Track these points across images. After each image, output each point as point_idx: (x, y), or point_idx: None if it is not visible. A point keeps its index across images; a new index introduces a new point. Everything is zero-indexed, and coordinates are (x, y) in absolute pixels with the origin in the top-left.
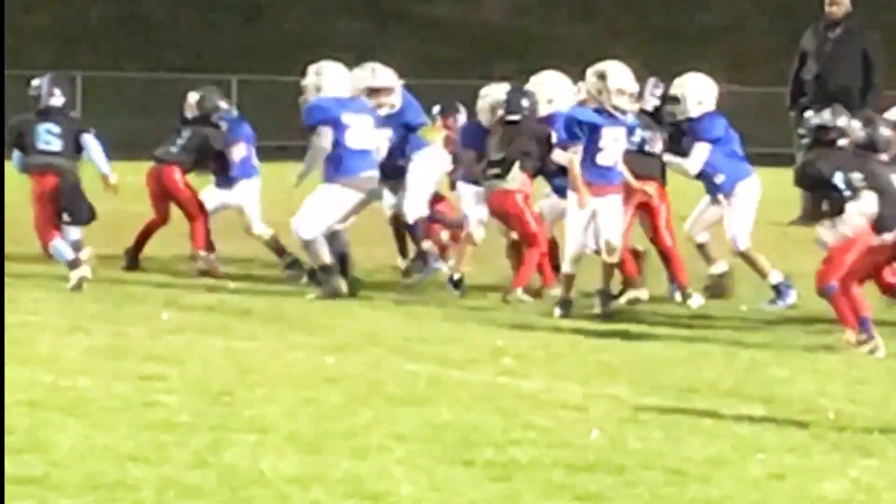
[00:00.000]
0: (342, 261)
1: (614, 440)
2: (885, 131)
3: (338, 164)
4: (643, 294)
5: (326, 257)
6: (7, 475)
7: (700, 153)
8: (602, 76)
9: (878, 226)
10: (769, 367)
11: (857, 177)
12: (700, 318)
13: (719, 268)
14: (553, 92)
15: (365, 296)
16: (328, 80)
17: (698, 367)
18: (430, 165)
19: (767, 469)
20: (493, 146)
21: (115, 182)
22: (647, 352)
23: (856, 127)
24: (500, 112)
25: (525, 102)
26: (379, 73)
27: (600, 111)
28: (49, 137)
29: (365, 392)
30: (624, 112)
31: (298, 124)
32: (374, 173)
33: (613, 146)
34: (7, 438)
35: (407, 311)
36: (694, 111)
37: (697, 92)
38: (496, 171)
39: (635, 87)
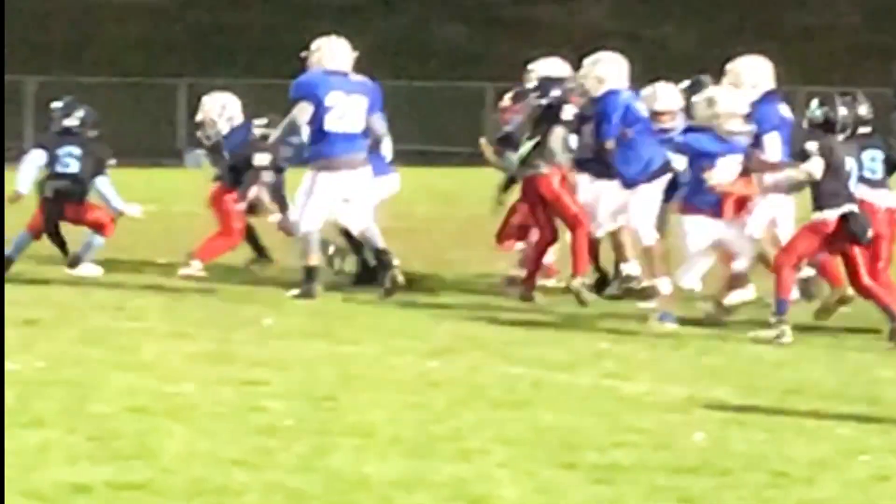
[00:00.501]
0: (381, 260)
1: (718, 442)
2: (843, 111)
3: (315, 146)
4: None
5: (314, 259)
6: (114, 481)
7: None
8: (711, 102)
9: (817, 201)
10: (873, 368)
11: (811, 145)
12: (803, 320)
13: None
14: (606, 73)
15: (467, 300)
16: (319, 55)
17: (802, 369)
18: None
19: (872, 471)
20: (522, 131)
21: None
22: (750, 354)
23: (812, 107)
24: (533, 97)
25: (556, 91)
26: (660, 95)
27: (713, 137)
28: (69, 160)
29: (468, 396)
30: (736, 134)
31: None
32: (356, 155)
33: (723, 173)
34: (113, 444)
35: (509, 314)
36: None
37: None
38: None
39: (745, 109)
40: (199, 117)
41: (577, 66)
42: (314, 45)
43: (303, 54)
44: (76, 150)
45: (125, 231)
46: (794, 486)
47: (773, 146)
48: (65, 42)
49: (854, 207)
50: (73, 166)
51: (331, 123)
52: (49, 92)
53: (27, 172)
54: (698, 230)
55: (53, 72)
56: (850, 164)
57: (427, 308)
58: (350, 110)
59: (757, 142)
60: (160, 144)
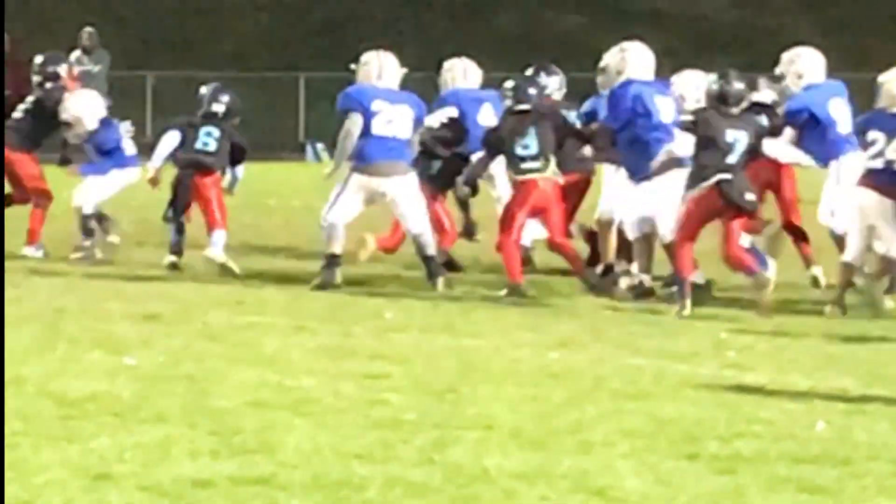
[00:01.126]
0: (428, 268)
1: (840, 432)
2: (738, 85)
3: (358, 151)
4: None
5: (336, 248)
6: (236, 475)
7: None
8: None
9: (694, 174)
10: None
11: (686, 118)
12: None
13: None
14: (624, 63)
15: (585, 292)
16: (368, 69)
17: None
18: None
19: None
20: (508, 136)
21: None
22: (872, 343)
23: (710, 80)
24: (508, 102)
25: (533, 90)
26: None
27: None
28: (208, 139)
29: (589, 387)
30: None
31: None
32: (397, 163)
33: None
34: (234, 439)
35: (628, 306)
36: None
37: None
38: (536, 164)
39: None
40: None
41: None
42: (364, 59)
43: (352, 66)
44: (216, 132)
45: (245, 226)
46: None
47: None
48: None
49: (728, 176)
50: (211, 146)
51: (377, 128)
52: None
53: (161, 151)
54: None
55: (178, 66)
56: (732, 136)
57: (547, 300)
58: (396, 118)
59: None
60: (282, 138)
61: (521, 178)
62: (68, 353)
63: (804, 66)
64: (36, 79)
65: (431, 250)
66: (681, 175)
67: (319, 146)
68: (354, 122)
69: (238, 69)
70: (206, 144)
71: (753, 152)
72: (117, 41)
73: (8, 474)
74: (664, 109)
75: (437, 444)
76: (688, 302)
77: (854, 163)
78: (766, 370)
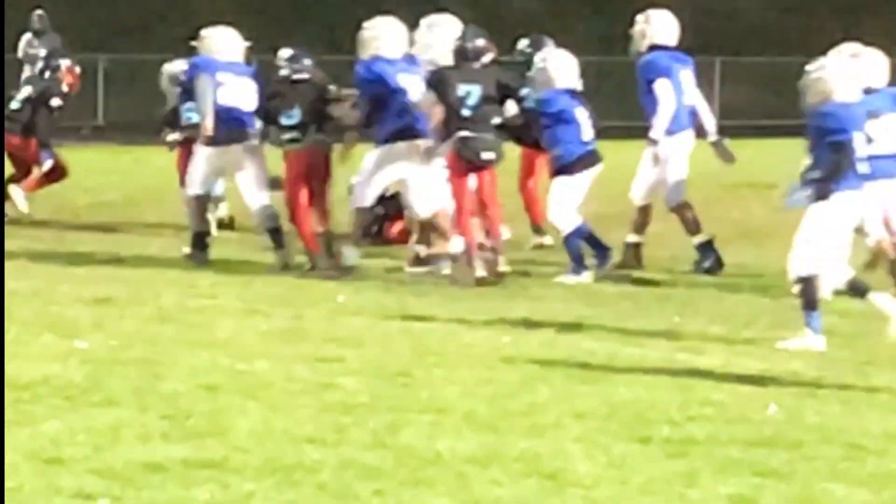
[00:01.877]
0: (272, 234)
1: (792, 415)
2: (480, 42)
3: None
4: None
5: (202, 225)
6: (188, 459)
7: None
8: None
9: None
10: None
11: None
12: (881, 292)
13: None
14: (650, 30)
15: (539, 275)
16: (378, 43)
17: (877, 341)
18: None
19: None
20: (275, 107)
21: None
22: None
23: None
24: (285, 72)
25: (307, 61)
26: None
27: None
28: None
29: (541, 371)
30: None
31: None
32: (242, 133)
33: None
34: (187, 423)
35: (582, 289)
36: None
37: None
38: (293, 135)
39: None
40: None
41: None
42: (204, 34)
43: (192, 42)
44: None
45: None
46: (868, 459)
47: None
48: (140, 20)
49: (468, 133)
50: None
51: (223, 99)
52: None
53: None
54: None
55: (131, 50)
56: (464, 89)
57: (502, 283)
58: (240, 90)
59: None
60: None
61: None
62: (19, 336)
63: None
64: (38, 68)
65: (276, 222)
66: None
67: None
68: (206, 82)
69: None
70: (290, 118)
71: None
72: (69, 24)
73: None
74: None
75: (390, 428)
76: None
77: None
78: (718, 353)
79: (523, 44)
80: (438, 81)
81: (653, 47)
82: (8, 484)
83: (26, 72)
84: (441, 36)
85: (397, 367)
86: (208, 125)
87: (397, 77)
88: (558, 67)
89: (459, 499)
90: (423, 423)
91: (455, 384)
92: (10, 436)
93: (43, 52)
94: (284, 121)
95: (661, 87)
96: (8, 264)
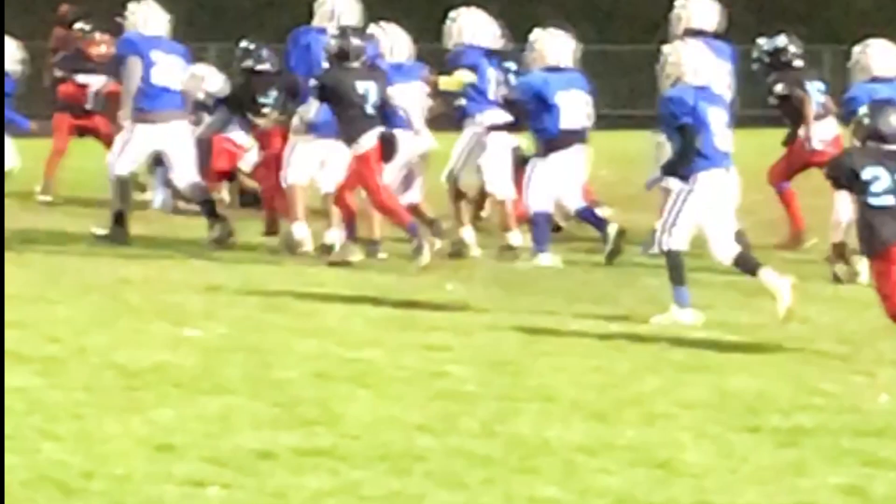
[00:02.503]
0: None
1: None
2: (355, 41)
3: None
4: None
5: (122, 204)
6: (297, 447)
7: None
8: None
9: (344, 133)
10: None
11: (312, 82)
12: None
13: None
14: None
15: (649, 264)
16: (133, 18)
17: None
18: None
19: None
20: (247, 93)
21: None
22: None
23: (330, 34)
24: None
25: (265, 53)
26: None
27: None
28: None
29: (651, 359)
30: None
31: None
32: (172, 112)
33: None
34: (297, 410)
35: (693, 278)
36: None
37: None
38: (276, 113)
39: None
40: None
41: None
42: (131, 8)
43: (118, 19)
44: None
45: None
46: None
47: None
48: None
49: (384, 129)
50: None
51: (155, 77)
52: None
53: None
54: None
55: None
56: (363, 87)
57: (609, 272)
58: (171, 68)
59: None
60: None
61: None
62: (131, 323)
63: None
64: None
65: (206, 195)
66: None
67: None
68: (136, 64)
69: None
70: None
71: None
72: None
73: (71, 444)
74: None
75: (499, 416)
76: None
77: None
78: (829, 342)
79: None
80: (333, 83)
81: (688, 32)
82: (119, 471)
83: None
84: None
85: (506, 356)
86: (127, 107)
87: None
88: (543, 48)
89: (568, 487)
90: (532, 411)
91: (563, 372)
92: (121, 423)
93: None
94: (263, 100)
95: None
96: (119, 251)
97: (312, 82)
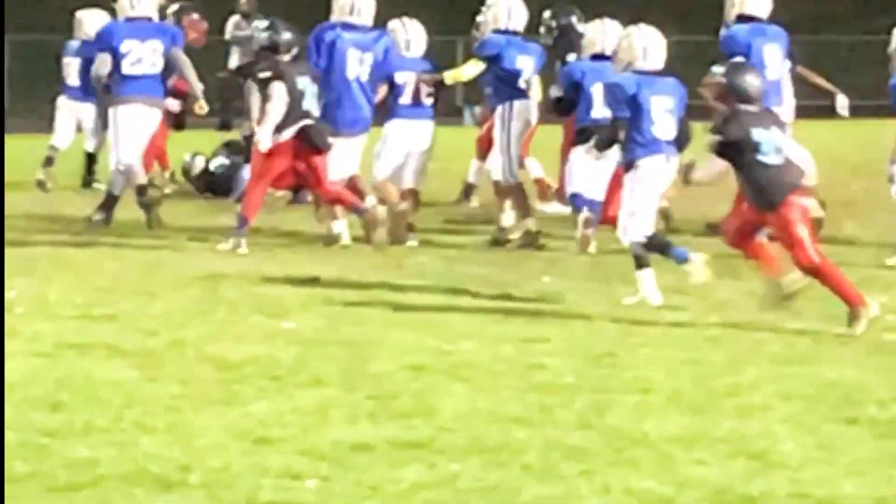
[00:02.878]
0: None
1: None
2: (286, 34)
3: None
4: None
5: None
6: (394, 439)
7: None
8: None
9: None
10: None
11: (260, 74)
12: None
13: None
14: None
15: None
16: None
17: None
18: None
19: None
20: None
21: None
22: None
23: (258, 27)
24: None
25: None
26: None
27: None
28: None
29: (748, 351)
30: None
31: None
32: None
33: None
34: (393, 402)
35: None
36: None
37: None
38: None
39: None
40: None
41: None
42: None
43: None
44: None
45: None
46: None
47: None
48: None
49: (311, 122)
50: None
51: (126, 68)
52: None
53: None
54: None
55: None
56: (303, 83)
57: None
58: (146, 55)
59: None
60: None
61: None
62: (228, 316)
63: None
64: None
65: (141, 180)
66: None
67: (477, 109)
68: (105, 59)
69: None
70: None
71: None
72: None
73: (168, 437)
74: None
75: (596, 408)
76: (244, 241)
77: None
78: None
79: (547, 15)
80: (280, 76)
81: (740, 18)
82: (216, 463)
83: (234, 54)
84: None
85: (603, 348)
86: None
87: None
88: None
89: (665, 479)
90: (629, 403)
91: (660, 364)
92: (218, 416)
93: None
94: None
95: None
96: (214, 244)
97: (260, 74)
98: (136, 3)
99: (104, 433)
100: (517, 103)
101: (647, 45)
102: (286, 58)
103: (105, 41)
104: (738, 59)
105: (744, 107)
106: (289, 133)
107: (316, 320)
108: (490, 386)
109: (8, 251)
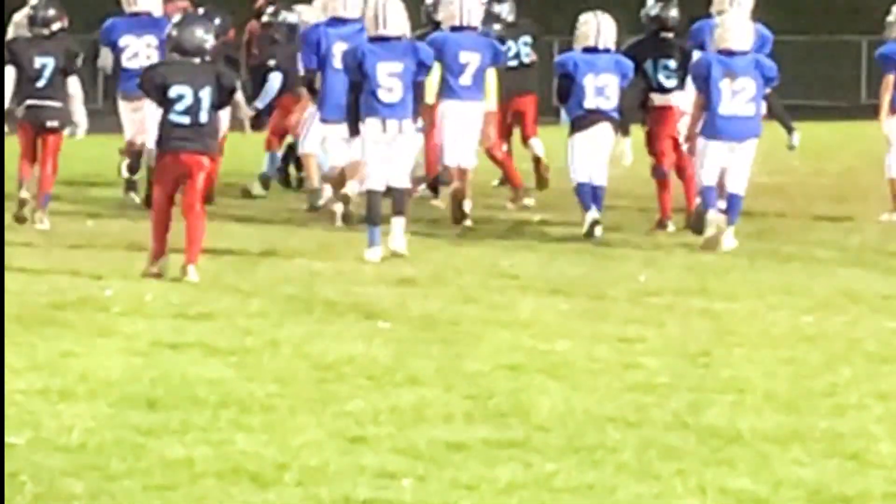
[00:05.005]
0: None
1: None
2: (50, 11)
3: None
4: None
5: None
6: (490, 438)
7: None
8: None
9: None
10: None
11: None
12: None
13: None
14: None
15: (841, 255)
16: None
17: None
18: None
19: None
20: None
21: None
22: None
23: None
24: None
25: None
26: None
27: None
28: None
29: (844, 350)
30: None
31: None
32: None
33: None
34: (489, 402)
35: (887, 267)
36: None
37: None
38: None
39: None
40: None
41: None
42: None
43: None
44: None
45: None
46: None
47: None
48: None
49: (37, 101)
50: None
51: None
52: None
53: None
54: None
55: None
56: (41, 62)
57: (802, 263)
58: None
59: None
60: None
61: None
62: (324, 316)
63: None
64: None
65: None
66: None
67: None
68: (107, 53)
69: None
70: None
71: None
72: None
73: (264, 436)
74: None
75: (691, 408)
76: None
77: None
78: None
79: None
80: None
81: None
82: (313, 462)
83: None
84: None
85: (698, 347)
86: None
87: None
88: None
89: (761, 478)
90: (724, 402)
91: (756, 364)
92: (314, 414)
93: None
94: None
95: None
96: (311, 245)
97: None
98: None
99: (201, 432)
100: None
101: (593, 30)
102: (45, 32)
103: (105, 36)
104: None
105: None
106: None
107: (412, 319)
108: (586, 385)
109: (104, 251)
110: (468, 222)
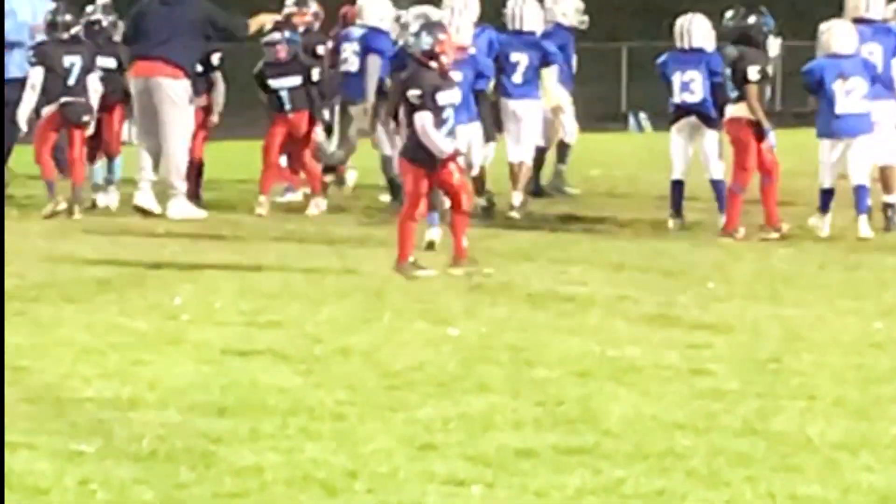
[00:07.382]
0: None
1: None
2: (67, 16)
3: None
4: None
5: None
6: (559, 445)
7: None
8: None
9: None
10: None
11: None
12: None
13: None
14: None
15: None
16: None
17: None
18: None
19: None
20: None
21: None
22: None
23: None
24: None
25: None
26: None
27: None
28: None
29: None
30: None
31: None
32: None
33: None
34: (558, 409)
35: None
36: None
37: None
38: None
39: None
40: None
41: None
42: None
43: None
44: None
45: (567, 196)
46: None
47: None
48: None
49: (70, 98)
50: None
51: None
52: None
53: None
54: None
55: None
56: (69, 61)
57: (871, 269)
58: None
59: None
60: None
61: None
62: (393, 323)
63: None
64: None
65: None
66: None
67: (642, 116)
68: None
69: None
70: None
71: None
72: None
73: (334, 444)
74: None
75: (761, 414)
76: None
77: None
78: None
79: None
80: (42, 54)
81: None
82: (382, 469)
83: None
84: None
85: (767, 354)
86: None
87: None
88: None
89: (831, 485)
90: (794, 409)
91: (825, 370)
92: (384, 421)
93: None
94: None
95: None
96: (380, 251)
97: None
98: None
99: (270, 439)
100: None
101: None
102: (65, 37)
103: None
104: None
105: None
106: (52, 107)
107: (480, 327)
108: (655, 392)
109: (174, 259)
110: (482, 202)
